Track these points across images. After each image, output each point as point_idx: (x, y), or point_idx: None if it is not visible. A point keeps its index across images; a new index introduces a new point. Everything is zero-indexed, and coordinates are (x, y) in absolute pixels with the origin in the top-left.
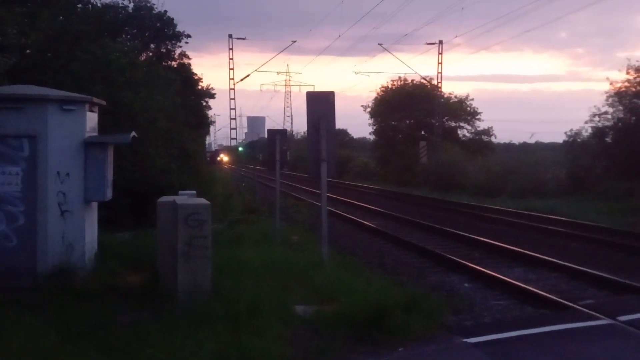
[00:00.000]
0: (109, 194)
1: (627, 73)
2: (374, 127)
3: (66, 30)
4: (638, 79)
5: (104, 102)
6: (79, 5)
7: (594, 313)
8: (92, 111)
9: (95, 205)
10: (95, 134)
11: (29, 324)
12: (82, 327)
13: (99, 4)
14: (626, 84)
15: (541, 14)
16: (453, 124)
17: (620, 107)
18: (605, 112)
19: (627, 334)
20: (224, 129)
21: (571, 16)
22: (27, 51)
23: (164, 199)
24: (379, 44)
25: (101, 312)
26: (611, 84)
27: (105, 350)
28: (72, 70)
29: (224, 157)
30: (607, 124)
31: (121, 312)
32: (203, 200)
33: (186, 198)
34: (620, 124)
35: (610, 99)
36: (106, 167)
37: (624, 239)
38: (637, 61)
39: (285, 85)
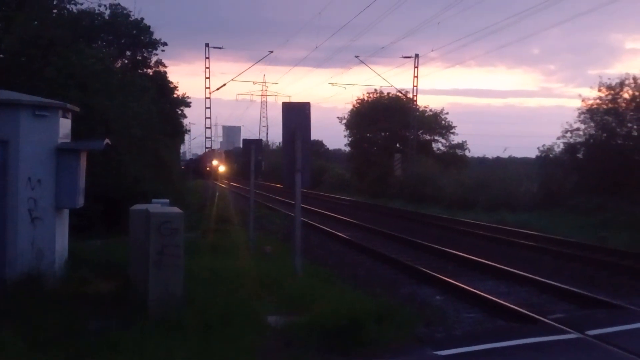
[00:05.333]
0: (80, 201)
1: (599, 90)
2: (350, 139)
3: (41, 35)
4: (609, 97)
5: (77, 109)
6: (54, 11)
7: (563, 327)
8: (65, 117)
9: (66, 212)
10: (68, 140)
11: None
12: (51, 335)
13: (74, 10)
14: (598, 101)
15: (515, 30)
16: (428, 137)
17: (592, 124)
18: (577, 129)
19: (594, 348)
20: (199, 137)
21: (543, 33)
22: (0, 55)
23: (137, 207)
24: (355, 56)
25: (70, 320)
26: (583, 100)
27: (73, 359)
28: (46, 76)
29: (219, 167)
30: (579, 140)
31: (91, 320)
32: (176, 209)
33: (159, 206)
34: (591, 141)
35: (582, 116)
36: (78, 174)
37: (594, 253)
38: (609, 79)
39: (262, 95)
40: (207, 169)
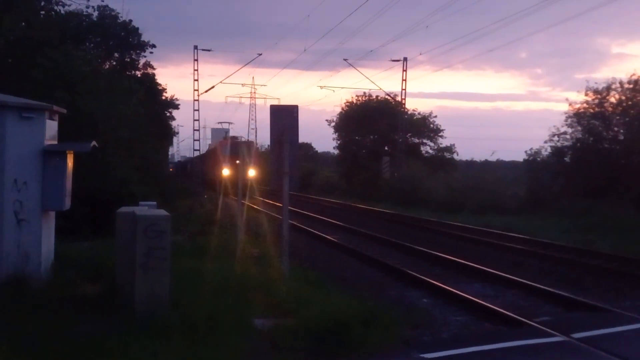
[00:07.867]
0: (67, 203)
1: (586, 95)
2: (338, 142)
3: (28, 36)
4: (596, 101)
5: (64, 110)
6: (42, 12)
7: (548, 330)
8: (52, 119)
9: (53, 214)
10: (55, 142)
11: None
12: (36, 338)
13: (62, 11)
14: (585, 105)
15: (502, 34)
16: (416, 140)
17: (579, 128)
18: (564, 133)
19: (579, 350)
20: (188, 140)
21: (531, 37)
22: None
23: (124, 209)
24: (344, 59)
25: (56, 323)
26: (570, 104)
27: None
28: (33, 77)
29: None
30: (566, 143)
31: (77, 322)
32: (163, 212)
33: (146, 209)
34: (578, 144)
35: (569, 120)
36: (65, 176)
37: (581, 256)
38: (596, 83)
39: (250, 97)
40: (224, 173)
